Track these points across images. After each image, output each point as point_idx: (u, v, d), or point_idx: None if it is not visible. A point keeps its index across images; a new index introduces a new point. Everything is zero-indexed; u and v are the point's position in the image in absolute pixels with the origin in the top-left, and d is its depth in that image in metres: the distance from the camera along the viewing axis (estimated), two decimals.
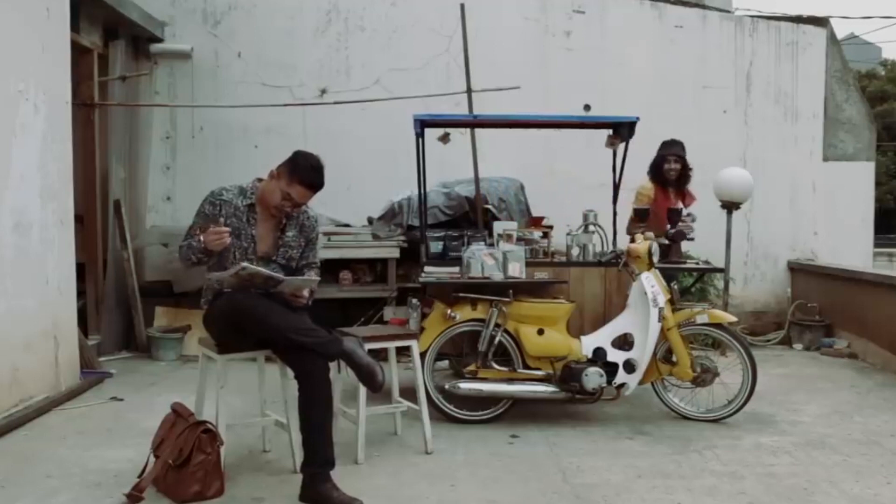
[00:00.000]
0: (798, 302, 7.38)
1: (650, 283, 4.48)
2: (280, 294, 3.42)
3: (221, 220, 3.45)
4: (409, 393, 4.22)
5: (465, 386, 4.43)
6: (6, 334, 4.44)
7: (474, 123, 6.09)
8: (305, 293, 3.51)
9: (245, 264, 3.29)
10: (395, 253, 6.36)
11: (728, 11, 8.39)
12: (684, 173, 5.60)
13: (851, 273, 6.84)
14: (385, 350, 4.14)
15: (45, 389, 4.80)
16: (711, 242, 6.19)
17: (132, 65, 7.03)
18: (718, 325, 4.60)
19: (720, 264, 5.65)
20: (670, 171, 5.54)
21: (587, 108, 7.43)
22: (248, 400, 4.34)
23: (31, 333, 4.71)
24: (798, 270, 7.73)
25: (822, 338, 6.98)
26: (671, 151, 5.57)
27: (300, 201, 3.50)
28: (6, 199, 4.48)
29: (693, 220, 5.32)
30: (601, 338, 4.55)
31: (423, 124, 5.16)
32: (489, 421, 4.50)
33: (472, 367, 4.48)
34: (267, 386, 3.98)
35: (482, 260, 4.68)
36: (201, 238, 3.36)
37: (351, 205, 6.69)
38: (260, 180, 3.58)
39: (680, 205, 5.51)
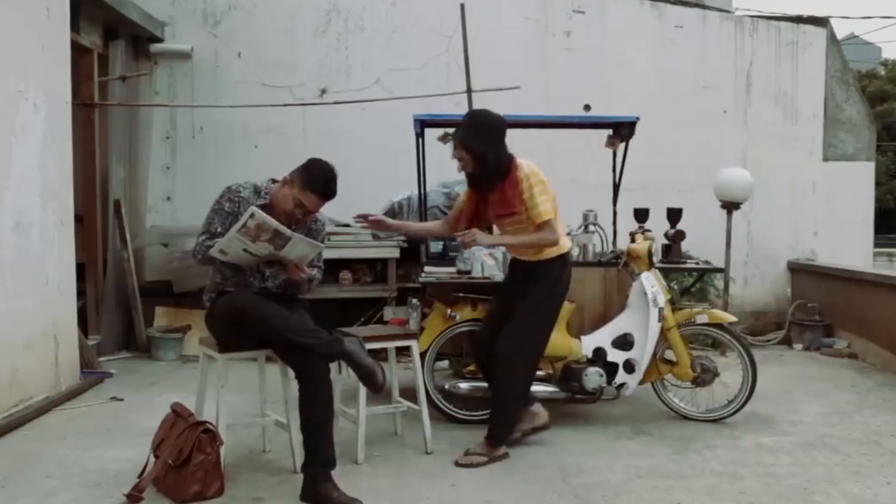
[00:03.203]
0: (798, 302, 7.38)
1: (650, 283, 4.48)
2: (283, 260, 3.40)
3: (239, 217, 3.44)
4: (409, 393, 4.22)
5: (465, 386, 4.44)
6: (6, 334, 4.44)
7: None
8: (307, 270, 3.50)
9: (254, 209, 3.22)
10: (395, 253, 6.36)
11: (728, 11, 8.39)
12: (483, 167, 3.75)
13: (851, 273, 6.84)
14: (385, 350, 4.14)
15: (45, 389, 4.80)
16: (711, 242, 6.21)
17: (132, 65, 7.03)
18: (718, 325, 4.61)
19: (720, 264, 5.66)
20: (459, 164, 3.82)
21: (587, 108, 7.43)
22: (248, 400, 4.33)
23: (31, 333, 4.71)
24: (798, 270, 7.73)
25: (822, 338, 6.98)
26: (454, 137, 3.82)
27: (312, 209, 3.49)
28: (6, 199, 4.48)
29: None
30: (601, 338, 4.55)
31: (423, 124, 5.17)
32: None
33: (472, 367, 4.48)
34: (267, 386, 3.98)
35: (482, 260, 4.69)
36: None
37: (351, 205, 6.65)
38: (274, 181, 3.56)
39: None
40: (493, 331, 4.04)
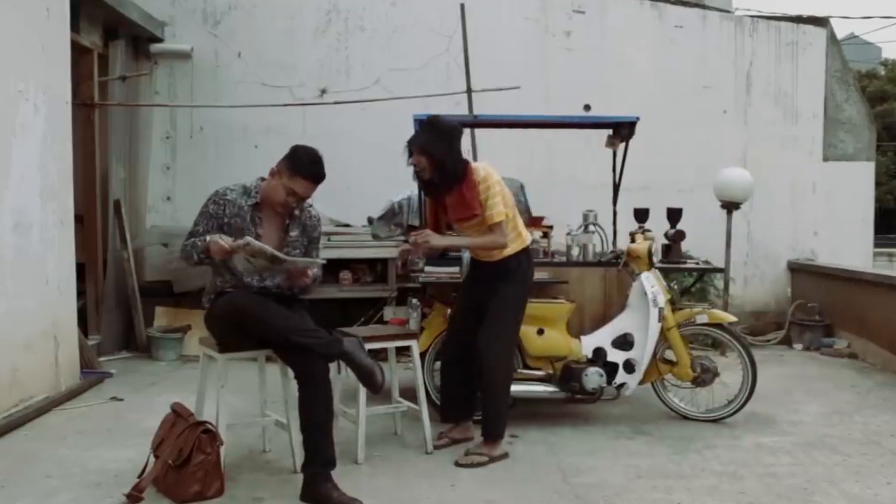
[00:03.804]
0: (798, 302, 7.38)
1: (650, 283, 4.48)
2: (284, 271, 3.42)
3: (225, 220, 3.45)
4: (409, 393, 4.22)
5: None
6: (6, 334, 4.44)
7: (474, 123, 6.09)
8: (309, 272, 3.51)
9: (249, 239, 3.24)
10: (395, 253, 6.36)
11: (728, 11, 8.39)
12: (441, 172, 3.82)
13: (851, 273, 6.84)
14: (385, 350, 4.15)
15: (45, 389, 4.80)
16: (711, 242, 6.20)
17: (132, 65, 7.03)
18: (718, 325, 4.61)
19: (720, 264, 5.66)
20: (417, 173, 3.90)
21: (587, 108, 7.43)
22: (248, 400, 4.33)
23: (31, 333, 4.71)
24: (798, 270, 7.73)
25: (822, 338, 6.98)
26: (411, 145, 3.89)
27: (304, 195, 3.49)
28: (6, 199, 4.48)
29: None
30: (601, 338, 4.55)
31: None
32: None
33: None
34: (267, 386, 3.98)
35: None
36: (206, 238, 3.34)
37: (351, 205, 6.68)
38: (263, 179, 3.57)
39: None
40: (460, 331, 4.07)
